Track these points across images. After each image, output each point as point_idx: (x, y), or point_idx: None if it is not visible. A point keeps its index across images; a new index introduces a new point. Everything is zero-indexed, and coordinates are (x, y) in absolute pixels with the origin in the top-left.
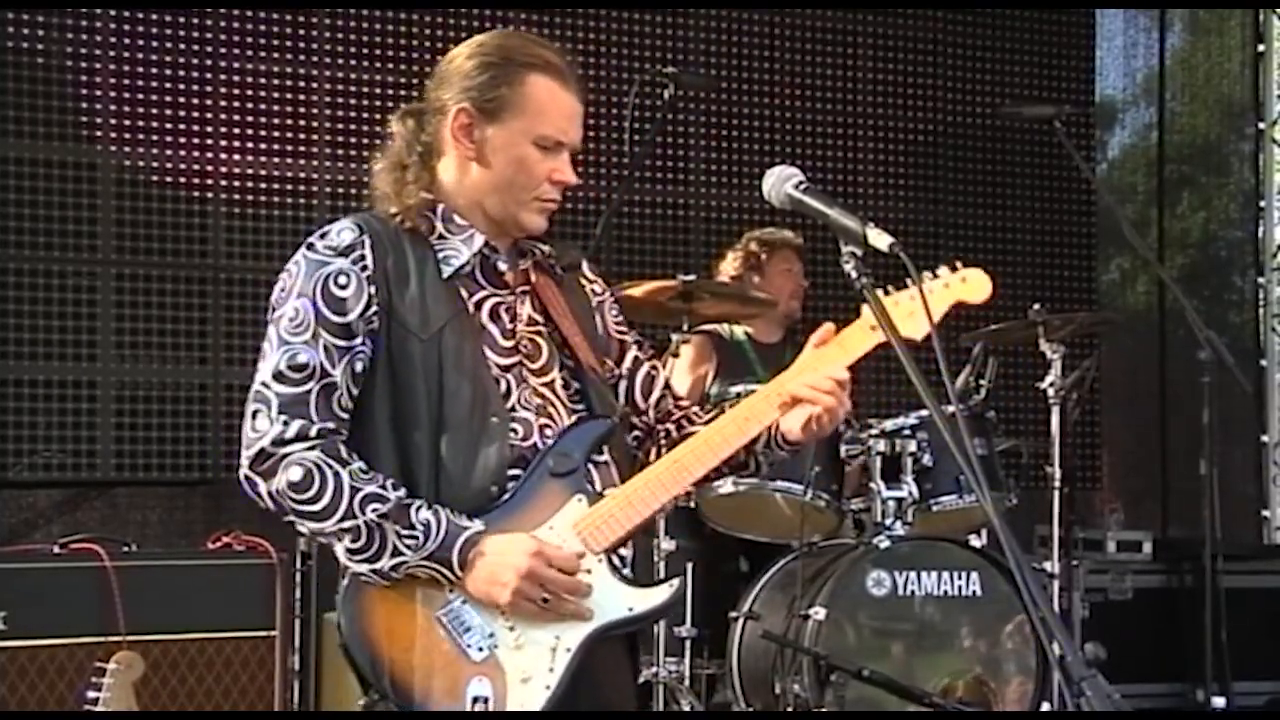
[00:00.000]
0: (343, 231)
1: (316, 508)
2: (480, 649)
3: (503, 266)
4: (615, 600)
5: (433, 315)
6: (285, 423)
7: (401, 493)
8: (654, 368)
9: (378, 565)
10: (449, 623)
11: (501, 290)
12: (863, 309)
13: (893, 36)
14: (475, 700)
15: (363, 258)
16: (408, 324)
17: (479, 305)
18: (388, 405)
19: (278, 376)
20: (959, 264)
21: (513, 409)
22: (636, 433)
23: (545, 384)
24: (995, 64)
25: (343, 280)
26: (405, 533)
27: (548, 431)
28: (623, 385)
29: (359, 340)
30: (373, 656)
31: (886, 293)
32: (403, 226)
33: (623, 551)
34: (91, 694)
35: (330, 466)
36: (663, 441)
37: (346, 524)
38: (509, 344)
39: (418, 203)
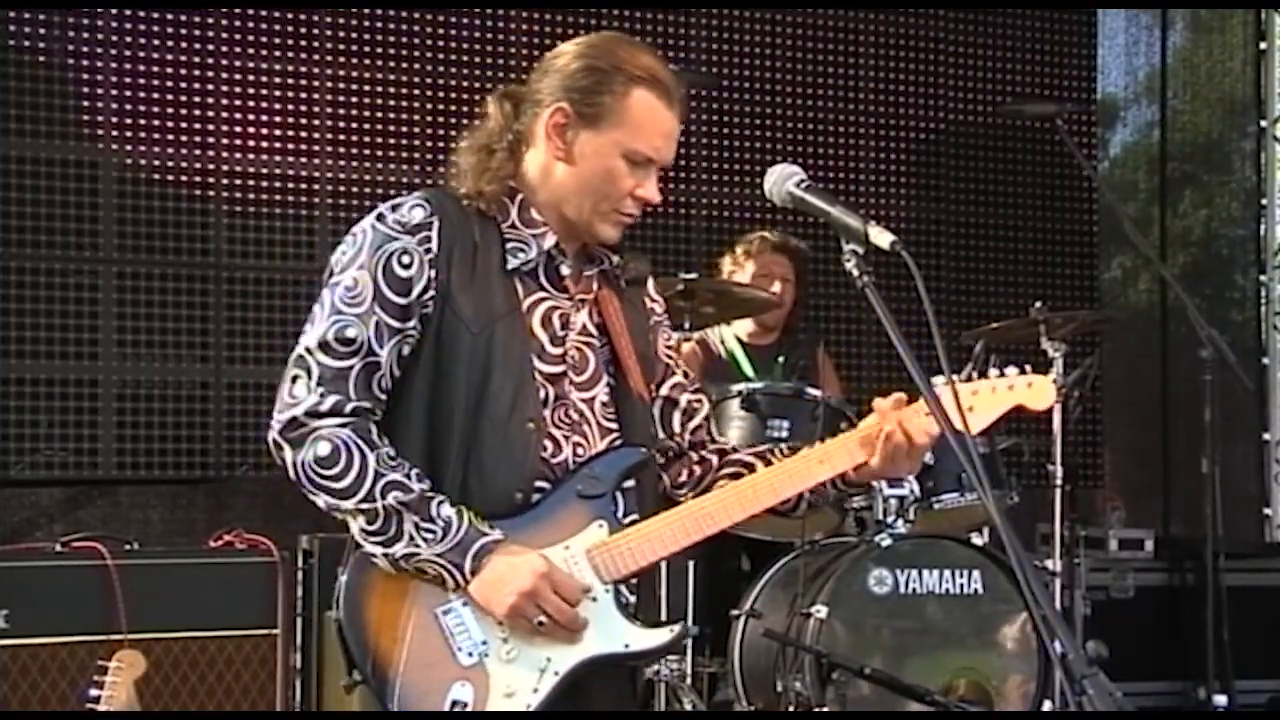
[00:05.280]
0: (414, 208)
1: (339, 485)
2: (470, 654)
3: (565, 271)
4: (613, 633)
5: (488, 309)
6: (322, 395)
7: (425, 485)
8: (699, 400)
9: (391, 550)
10: (446, 621)
11: (560, 295)
12: (919, 402)
13: (894, 35)
14: (454, 704)
15: (429, 239)
16: (462, 313)
17: (533, 307)
18: (426, 391)
19: (323, 346)
20: (1029, 368)
21: (549, 420)
22: (669, 452)
23: (585, 399)
24: (997, 62)
25: (406, 259)
26: (425, 525)
27: (580, 450)
28: (658, 406)
29: (412, 323)
30: (363, 638)
31: (950, 382)
32: (473, 209)
33: (632, 581)
34: (93, 692)
35: (358, 446)
36: (696, 468)
37: (364, 505)
38: (556, 351)
39: (495, 189)
